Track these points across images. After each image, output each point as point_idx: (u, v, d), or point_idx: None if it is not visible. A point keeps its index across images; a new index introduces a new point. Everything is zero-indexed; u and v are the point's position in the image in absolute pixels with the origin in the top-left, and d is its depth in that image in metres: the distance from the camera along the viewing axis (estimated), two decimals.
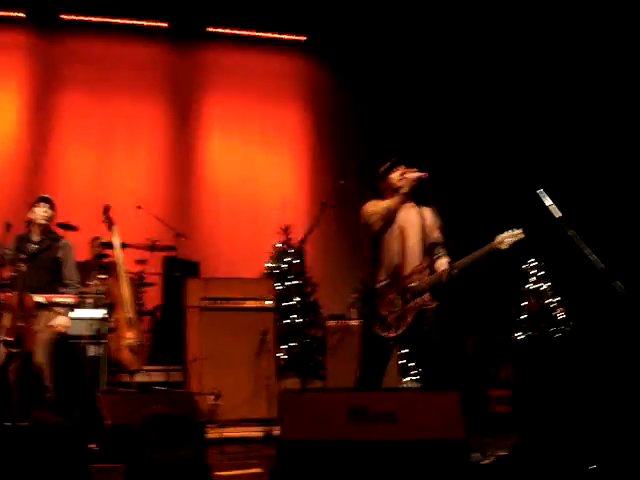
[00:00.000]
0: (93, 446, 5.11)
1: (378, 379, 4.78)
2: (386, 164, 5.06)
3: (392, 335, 4.84)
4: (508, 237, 4.72)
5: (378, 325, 4.85)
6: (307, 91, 10.52)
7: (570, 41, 8.71)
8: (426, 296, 4.90)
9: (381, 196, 5.08)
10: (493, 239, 4.76)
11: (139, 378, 6.88)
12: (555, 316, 8.51)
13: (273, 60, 10.46)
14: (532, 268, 8.74)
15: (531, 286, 8.73)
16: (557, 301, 8.53)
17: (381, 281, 4.91)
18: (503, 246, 4.73)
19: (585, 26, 8.54)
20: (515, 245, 4.74)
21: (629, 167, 7.92)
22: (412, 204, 5.09)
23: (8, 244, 5.66)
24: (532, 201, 5.36)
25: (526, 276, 8.76)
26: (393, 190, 5.02)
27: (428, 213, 5.05)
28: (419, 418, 3.75)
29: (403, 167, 5.00)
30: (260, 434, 6.48)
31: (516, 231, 4.77)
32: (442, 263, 4.95)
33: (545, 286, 8.61)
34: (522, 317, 8.62)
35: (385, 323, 4.84)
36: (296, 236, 8.19)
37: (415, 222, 5.01)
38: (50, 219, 5.88)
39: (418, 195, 4.90)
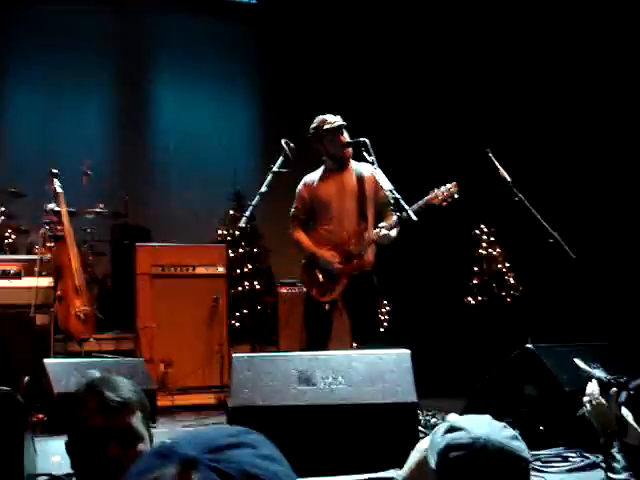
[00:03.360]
0: (41, 416, 5.04)
1: (323, 342, 4.80)
2: (327, 128, 4.99)
3: (327, 299, 4.86)
4: (442, 192, 4.71)
5: (315, 289, 4.88)
6: (258, 55, 10.37)
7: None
8: (366, 259, 4.90)
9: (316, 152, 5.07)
10: (427, 194, 4.76)
11: (88, 347, 6.77)
12: (506, 281, 8.60)
13: (223, 23, 10.29)
14: (483, 233, 8.81)
15: (482, 252, 8.80)
16: (507, 267, 8.61)
17: (321, 247, 4.93)
18: (436, 201, 4.72)
19: None
20: (450, 202, 4.74)
21: (581, 131, 7.96)
22: (351, 168, 5.05)
23: None
24: (481, 163, 5.38)
25: (477, 241, 8.82)
26: (331, 155, 4.99)
27: (368, 172, 5.00)
28: (369, 380, 3.74)
29: (342, 132, 4.96)
30: (212, 401, 6.47)
31: (449, 185, 4.76)
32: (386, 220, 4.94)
33: (495, 252, 8.68)
34: (474, 282, 8.70)
35: (322, 287, 4.87)
36: (247, 202, 8.11)
37: (351, 188, 4.98)
38: None
39: (361, 156, 4.87)
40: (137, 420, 2.03)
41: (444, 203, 4.73)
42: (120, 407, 2.00)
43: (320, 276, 4.87)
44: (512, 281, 8.60)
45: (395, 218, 4.70)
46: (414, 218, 4.46)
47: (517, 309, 8.12)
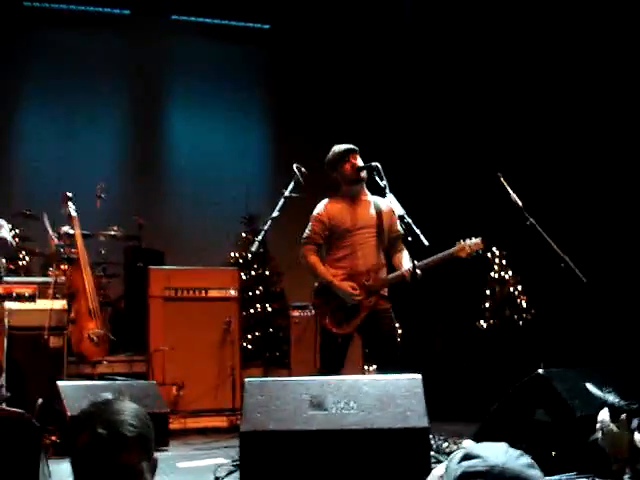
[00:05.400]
0: (54, 438, 5.07)
1: (336, 371, 4.78)
2: (338, 152, 5.04)
3: (342, 332, 4.85)
4: (468, 247, 4.74)
5: (329, 320, 4.86)
6: (272, 79, 10.47)
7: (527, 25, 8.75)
8: (382, 294, 4.91)
9: (334, 185, 5.09)
10: (454, 245, 4.78)
11: (101, 369, 6.81)
12: (518, 304, 8.58)
13: (237, 48, 10.40)
14: (494, 257, 8.80)
15: (494, 274, 8.78)
16: (519, 290, 8.59)
17: (335, 276, 4.91)
18: (463, 254, 4.75)
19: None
20: (475, 255, 4.77)
21: (593, 157, 7.97)
22: (366, 198, 5.08)
23: None
24: (493, 189, 5.40)
25: (489, 265, 8.81)
26: (346, 180, 5.01)
27: (385, 205, 5.03)
28: (380, 405, 3.75)
29: (354, 156, 5.00)
30: (225, 424, 6.48)
31: (475, 240, 4.78)
32: (402, 259, 4.95)
33: (507, 275, 8.67)
34: (486, 306, 8.68)
35: (336, 318, 4.85)
36: (260, 224, 8.17)
37: (369, 220, 4.99)
38: None
39: (375, 184, 4.90)
40: (133, 456, 1.85)
41: (469, 257, 4.76)
42: (112, 443, 1.83)
43: (335, 306, 4.85)
44: (524, 304, 8.57)
45: (410, 262, 4.71)
46: (426, 243, 4.49)
47: (529, 333, 8.10)
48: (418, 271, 4.66)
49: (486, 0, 8.95)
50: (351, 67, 10.07)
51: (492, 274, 8.77)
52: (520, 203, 5.21)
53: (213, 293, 7.20)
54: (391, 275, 4.90)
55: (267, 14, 10.27)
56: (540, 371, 4.41)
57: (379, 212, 5.01)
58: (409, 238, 4.61)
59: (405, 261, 4.91)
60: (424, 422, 3.72)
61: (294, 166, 5.18)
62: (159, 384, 6.18)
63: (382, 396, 3.76)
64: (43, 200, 7.86)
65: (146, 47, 10.14)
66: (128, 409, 1.92)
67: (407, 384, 3.83)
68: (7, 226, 5.93)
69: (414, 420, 3.70)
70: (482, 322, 8.59)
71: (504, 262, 8.76)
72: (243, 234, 8.86)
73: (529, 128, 8.50)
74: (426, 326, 8.47)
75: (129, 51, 10.12)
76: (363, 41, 10.04)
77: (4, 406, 5.22)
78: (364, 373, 6.91)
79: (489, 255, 8.83)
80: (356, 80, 10.01)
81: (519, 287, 8.63)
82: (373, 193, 5.12)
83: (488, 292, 8.71)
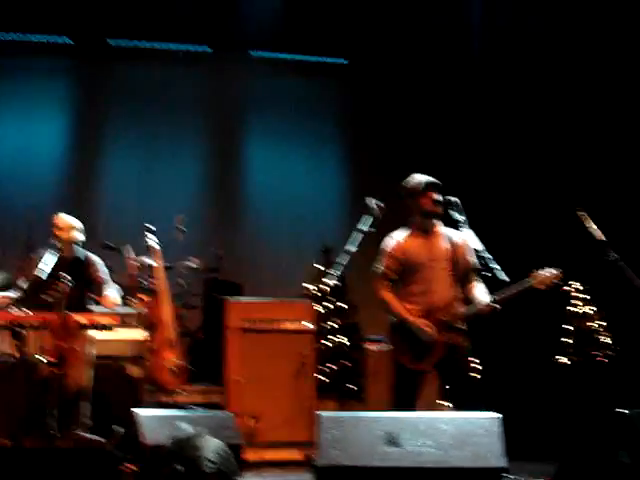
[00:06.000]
0: (133, 468, 5.15)
1: (411, 407, 4.71)
2: (420, 184, 5.00)
3: (418, 368, 4.79)
4: (547, 278, 4.64)
5: (405, 357, 4.80)
6: (349, 113, 10.55)
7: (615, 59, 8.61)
8: (459, 329, 4.83)
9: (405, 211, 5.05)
10: (532, 275, 4.67)
11: (179, 399, 6.89)
12: (600, 340, 8.35)
13: (315, 82, 10.53)
14: (575, 291, 8.60)
15: (575, 309, 8.59)
16: (602, 325, 8.37)
17: (410, 311, 4.86)
18: (541, 286, 4.64)
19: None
20: (554, 287, 4.66)
21: None
22: (439, 230, 5.02)
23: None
24: (573, 222, 5.30)
25: (569, 298, 8.61)
26: (422, 213, 4.97)
27: (458, 237, 4.97)
28: (457, 444, 3.70)
29: (436, 191, 4.96)
30: (299, 457, 6.46)
31: (555, 271, 4.67)
32: (478, 291, 4.87)
33: (589, 309, 8.46)
34: (566, 341, 8.48)
35: (412, 354, 4.79)
36: (337, 256, 8.20)
37: (443, 253, 4.93)
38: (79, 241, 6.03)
39: (450, 218, 4.86)
40: None
41: (547, 289, 4.67)
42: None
43: (411, 343, 4.80)
44: (606, 340, 8.34)
45: (486, 295, 4.65)
46: (505, 279, 4.43)
47: (611, 370, 7.86)
48: (496, 305, 4.58)
49: (558, 33, 8.87)
50: (428, 101, 10.07)
51: (572, 309, 8.58)
52: (602, 238, 5.09)
53: (289, 325, 7.24)
54: (468, 309, 4.83)
55: (345, 49, 10.36)
56: (624, 411, 4.28)
57: (452, 244, 4.95)
58: (487, 274, 4.55)
59: (481, 294, 4.83)
60: (502, 462, 3.65)
61: (370, 200, 5.18)
62: (235, 415, 6.21)
63: (460, 434, 3.71)
64: (125, 232, 8.07)
65: (225, 82, 10.36)
66: (208, 445, 1.93)
67: (486, 423, 3.76)
68: (101, 262, 6.15)
69: (492, 460, 3.64)
70: (561, 358, 8.39)
71: (586, 297, 8.57)
72: (319, 266, 8.89)
73: (614, 161, 8.34)
74: (502, 360, 8.30)
75: (209, 86, 10.36)
76: (439, 76, 10.05)
77: (86, 434, 5.36)
78: (440, 410, 6.81)
79: (568, 289, 8.65)
80: (433, 115, 10.00)
81: (601, 323, 8.42)
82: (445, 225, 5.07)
83: (568, 327, 8.52)
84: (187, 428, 2.20)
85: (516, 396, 7.59)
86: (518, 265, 5.19)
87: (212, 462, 1.88)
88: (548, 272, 4.64)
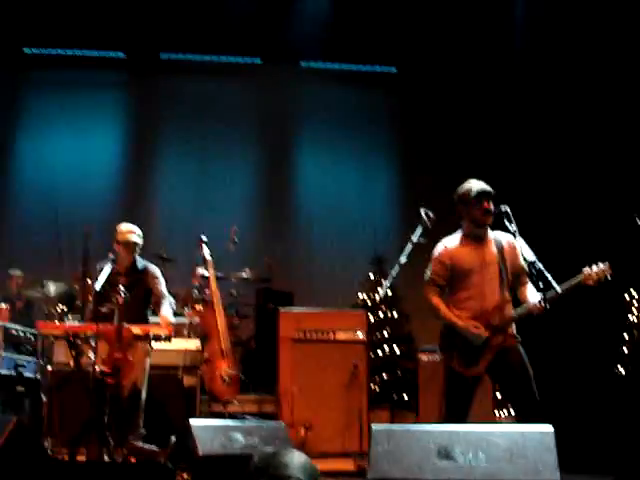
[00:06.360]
0: (186, 476, 5.20)
1: (463, 415, 4.66)
2: (474, 191, 4.94)
3: (471, 373, 4.74)
4: (595, 273, 4.55)
5: (457, 361, 4.75)
6: (399, 122, 10.54)
7: None
8: (510, 331, 4.78)
9: (458, 217, 5.00)
10: (580, 272, 4.60)
11: (232, 408, 6.95)
12: None
13: (364, 91, 10.55)
14: (633, 299, 8.42)
15: (634, 318, 8.41)
16: None
17: (460, 317, 4.82)
18: (590, 282, 4.56)
19: None
20: (603, 282, 4.57)
21: None
22: (490, 238, 4.97)
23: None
24: (632, 229, 5.20)
25: (628, 307, 8.44)
26: (473, 220, 4.92)
27: (505, 241, 4.92)
28: (510, 457, 3.65)
29: (488, 201, 4.90)
30: (352, 467, 6.44)
31: (602, 266, 4.59)
32: (528, 292, 4.82)
33: None
34: (624, 351, 8.30)
35: (464, 359, 4.74)
36: (388, 266, 8.19)
37: (492, 259, 4.88)
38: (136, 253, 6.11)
39: (502, 224, 4.80)
40: None
41: (597, 284, 4.57)
42: None
43: (462, 348, 4.76)
44: None
45: (538, 295, 4.58)
46: (559, 290, 4.36)
47: None
48: (546, 304, 4.51)
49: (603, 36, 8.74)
50: (478, 109, 10.01)
51: (631, 317, 8.40)
52: None
53: (341, 335, 7.23)
54: (518, 310, 4.77)
55: (394, 57, 10.37)
56: None
57: (500, 249, 4.90)
58: (540, 284, 4.48)
59: (531, 294, 4.77)
60: (556, 476, 3.59)
61: (421, 211, 5.16)
62: (287, 425, 6.23)
63: (512, 447, 3.65)
64: (179, 243, 8.19)
65: (276, 93, 10.45)
66: (295, 462, 1.95)
67: (538, 436, 3.70)
68: (160, 274, 6.24)
69: (546, 474, 3.58)
70: (620, 368, 8.22)
71: None
72: (371, 276, 8.89)
73: None
74: (559, 371, 8.16)
75: (260, 97, 10.47)
76: (487, 82, 9.98)
77: (141, 444, 5.43)
78: (494, 419, 6.73)
79: (627, 297, 8.48)
80: (483, 121, 9.93)
81: None
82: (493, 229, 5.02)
83: (627, 336, 8.34)
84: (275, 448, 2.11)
85: (572, 407, 7.46)
86: (572, 273, 5.11)
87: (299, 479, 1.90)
88: (596, 267, 4.56)
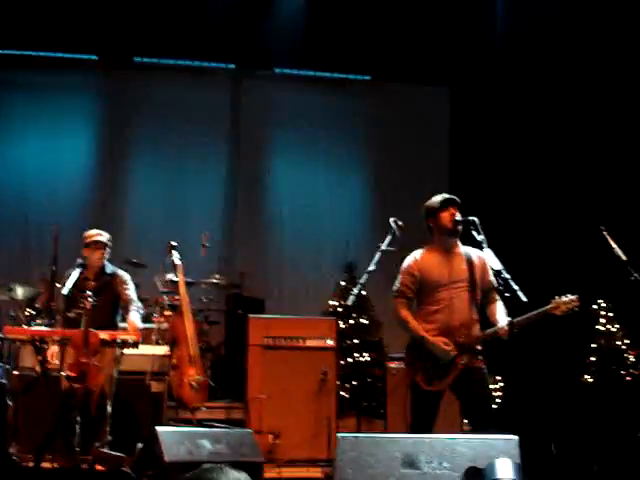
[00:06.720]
0: None
1: (427, 428, 4.67)
2: (439, 200, 4.98)
3: (433, 389, 4.76)
4: (563, 304, 4.62)
5: (421, 377, 4.77)
6: (373, 130, 10.57)
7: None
8: (476, 349, 4.80)
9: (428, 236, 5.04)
10: (552, 302, 4.66)
11: (200, 415, 6.91)
12: (626, 359, 8.26)
13: (339, 99, 10.56)
14: (601, 309, 8.52)
15: (601, 327, 8.50)
16: (627, 344, 8.28)
17: (427, 331, 4.82)
18: (558, 312, 4.63)
19: None
20: (570, 314, 4.64)
21: None
22: (459, 250, 4.99)
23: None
24: (598, 241, 5.26)
25: (595, 317, 8.53)
26: (441, 230, 4.94)
27: (476, 257, 4.95)
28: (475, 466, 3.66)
29: (454, 208, 4.93)
30: (319, 475, 6.43)
31: (571, 297, 4.65)
32: (497, 312, 4.85)
33: (614, 328, 8.37)
34: (591, 360, 8.39)
35: (428, 375, 4.75)
36: (360, 273, 8.20)
37: (462, 273, 4.89)
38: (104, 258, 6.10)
39: (470, 237, 4.83)
40: None
41: (564, 314, 4.64)
42: None
43: (427, 363, 4.76)
44: (632, 359, 8.24)
45: (506, 319, 4.63)
46: (524, 299, 4.39)
47: (637, 389, 7.76)
48: (513, 329, 4.55)
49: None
50: (450, 119, 10.08)
51: (598, 327, 8.49)
52: (624, 257, 5.05)
53: (311, 342, 7.21)
54: (486, 332, 4.80)
55: (369, 65, 10.40)
56: None
57: (471, 264, 4.91)
58: (506, 294, 4.51)
59: (500, 315, 4.80)
60: None
61: (391, 220, 5.18)
62: (255, 432, 6.19)
63: (476, 457, 3.67)
64: (149, 248, 8.14)
65: (250, 99, 10.44)
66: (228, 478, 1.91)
67: (503, 445, 3.73)
68: (129, 279, 6.22)
69: None
70: (587, 377, 8.30)
71: (610, 314, 8.48)
72: (342, 283, 8.89)
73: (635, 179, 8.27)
74: (526, 380, 8.22)
75: (233, 103, 10.44)
76: (461, 93, 10.06)
77: (106, 450, 5.38)
78: (463, 428, 6.76)
79: (594, 307, 8.57)
80: (454, 131, 10.01)
81: (627, 340, 8.33)
82: (464, 244, 5.05)
83: (594, 346, 8.43)
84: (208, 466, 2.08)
85: (540, 415, 7.51)
86: (541, 285, 5.16)
87: None
88: (566, 299, 4.62)
